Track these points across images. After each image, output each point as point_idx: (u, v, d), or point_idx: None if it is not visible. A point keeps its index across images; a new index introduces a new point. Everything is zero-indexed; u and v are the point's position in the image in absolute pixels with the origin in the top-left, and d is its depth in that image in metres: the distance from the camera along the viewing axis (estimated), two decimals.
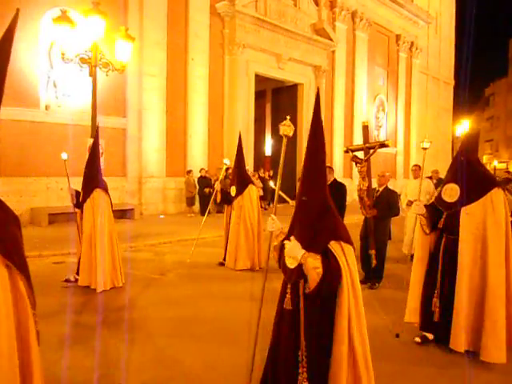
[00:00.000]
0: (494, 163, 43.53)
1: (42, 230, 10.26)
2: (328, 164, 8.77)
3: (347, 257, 2.59)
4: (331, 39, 19.46)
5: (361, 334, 2.63)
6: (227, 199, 7.67)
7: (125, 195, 13.40)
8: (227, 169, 10.69)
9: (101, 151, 8.98)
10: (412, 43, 25.38)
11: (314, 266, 2.52)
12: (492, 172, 14.48)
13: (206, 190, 13.67)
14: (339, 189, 6.79)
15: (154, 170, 14.00)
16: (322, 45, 19.24)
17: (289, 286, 2.69)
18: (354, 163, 6.31)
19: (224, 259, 7.52)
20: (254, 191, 7.49)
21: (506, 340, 3.77)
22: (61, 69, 11.52)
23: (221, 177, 8.49)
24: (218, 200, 7.85)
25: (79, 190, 6.00)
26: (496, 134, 51.17)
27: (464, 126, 26.21)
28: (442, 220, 4.13)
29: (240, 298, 5.66)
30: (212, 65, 15.44)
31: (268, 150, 21.57)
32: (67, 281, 5.99)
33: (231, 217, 7.46)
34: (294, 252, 2.59)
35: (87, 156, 6.08)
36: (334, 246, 2.57)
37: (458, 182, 4.02)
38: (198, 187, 14.12)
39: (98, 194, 5.81)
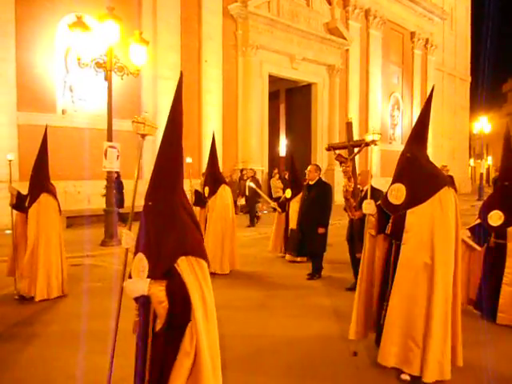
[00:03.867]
0: None
1: None
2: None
3: (198, 276, 2.17)
4: (345, 38, 19.35)
5: (213, 366, 2.21)
6: (201, 201, 7.25)
7: (141, 198, 13.46)
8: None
9: (117, 154, 9.11)
10: (427, 40, 25.07)
11: (158, 299, 2.10)
12: None
13: None
14: (324, 189, 6.64)
15: None
16: (335, 44, 19.13)
17: (136, 306, 2.27)
18: (338, 162, 5.86)
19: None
20: (227, 191, 7.12)
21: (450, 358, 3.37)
22: (77, 73, 11.66)
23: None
24: (192, 202, 7.31)
25: (22, 192, 5.62)
26: None
27: (481, 123, 25.76)
28: (390, 224, 3.63)
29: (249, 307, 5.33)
30: (225, 66, 15.48)
31: (283, 150, 21.52)
32: (21, 297, 5.46)
33: (207, 220, 6.98)
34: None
35: (35, 159, 5.64)
36: (182, 265, 2.14)
37: (404, 182, 3.56)
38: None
39: (44, 198, 5.44)
